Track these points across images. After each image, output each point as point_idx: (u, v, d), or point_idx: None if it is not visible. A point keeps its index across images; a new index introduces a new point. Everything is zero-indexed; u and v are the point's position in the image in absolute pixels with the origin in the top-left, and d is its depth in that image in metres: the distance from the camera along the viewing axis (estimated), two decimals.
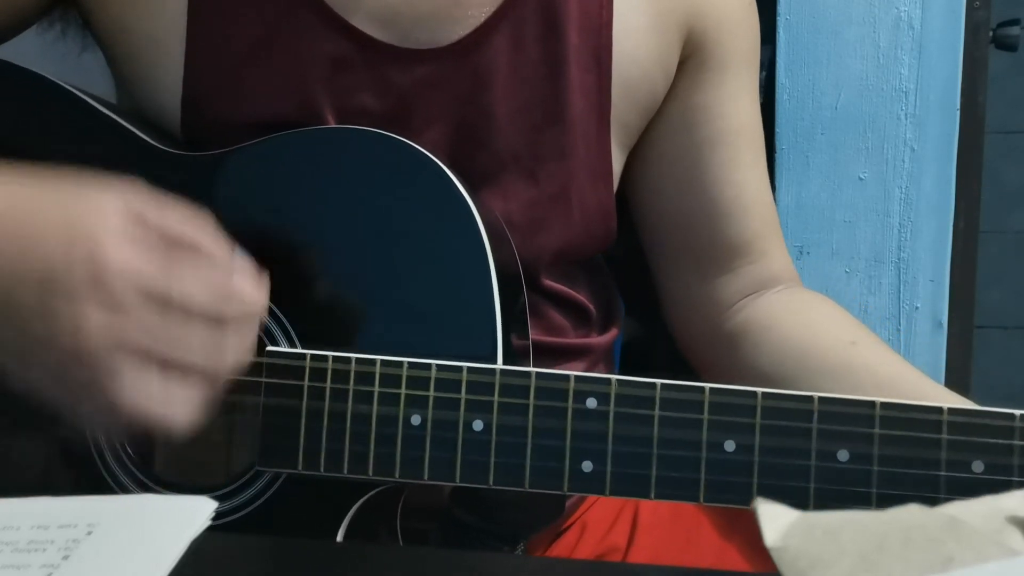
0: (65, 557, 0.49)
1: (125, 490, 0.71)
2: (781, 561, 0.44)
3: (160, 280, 0.57)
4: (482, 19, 0.76)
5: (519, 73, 0.77)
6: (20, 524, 0.52)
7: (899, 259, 1.30)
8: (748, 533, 0.82)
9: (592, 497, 0.90)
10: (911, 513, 0.45)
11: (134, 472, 0.72)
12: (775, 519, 0.45)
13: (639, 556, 0.85)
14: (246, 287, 0.60)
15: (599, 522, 0.88)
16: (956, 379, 1.31)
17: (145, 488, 0.71)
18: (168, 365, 0.57)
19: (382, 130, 0.71)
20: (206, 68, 0.76)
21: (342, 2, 0.75)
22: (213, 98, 0.76)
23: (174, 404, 0.58)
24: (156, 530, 0.51)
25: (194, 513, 0.52)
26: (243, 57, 0.75)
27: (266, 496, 0.69)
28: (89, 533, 0.51)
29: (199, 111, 0.76)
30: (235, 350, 0.60)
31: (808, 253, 1.31)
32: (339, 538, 0.67)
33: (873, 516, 0.45)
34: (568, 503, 0.87)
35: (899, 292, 1.31)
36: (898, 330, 1.31)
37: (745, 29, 0.86)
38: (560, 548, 0.88)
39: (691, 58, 0.83)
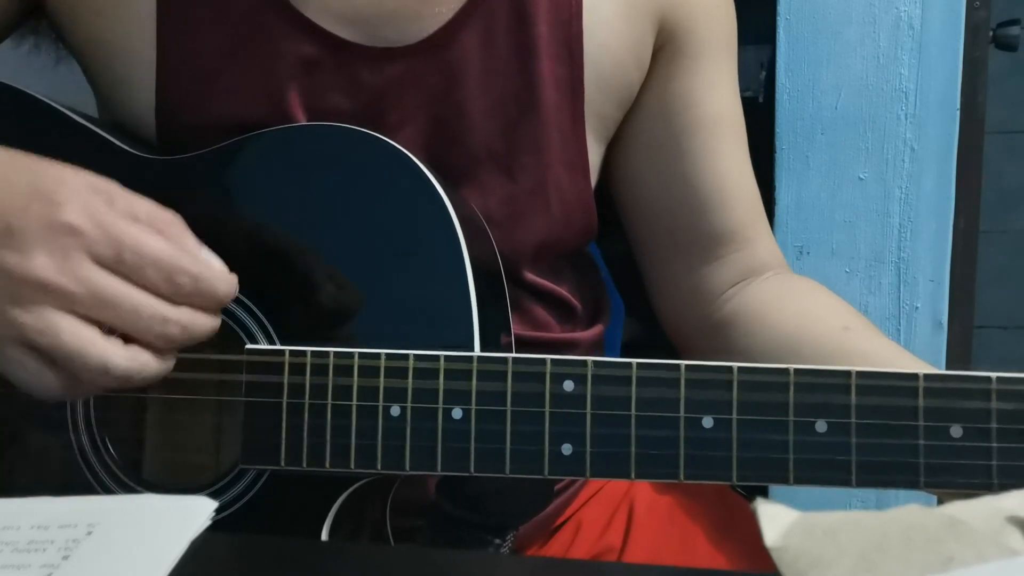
0: (65, 557, 0.49)
1: (109, 491, 0.72)
2: (781, 561, 0.44)
3: (112, 247, 0.59)
4: (450, 15, 0.76)
5: (490, 68, 0.77)
6: (20, 524, 0.52)
7: (899, 259, 1.30)
8: (743, 533, 0.82)
9: (585, 494, 0.90)
10: (911, 513, 0.45)
11: (117, 474, 0.72)
12: (775, 519, 0.45)
13: (635, 556, 0.85)
14: (206, 271, 0.62)
15: (594, 522, 0.88)
16: None
17: (129, 490, 0.71)
18: (111, 329, 0.59)
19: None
20: (178, 74, 0.76)
21: (307, 3, 0.75)
22: (186, 104, 0.76)
23: (112, 366, 0.59)
24: (156, 530, 0.51)
25: (194, 513, 0.52)
26: (213, 62, 0.75)
27: (251, 494, 0.69)
28: (89, 533, 0.51)
29: (173, 117, 0.77)
30: (185, 328, 0.61)
31: (808, 253, 1.31)
32: (324, 534, 0.68)
33: (873, 516, 0.45)
34: (560, 499, 0.87)
35: (899, 292, 1.31)
36: (898, 330, 1.31)
37: (720, 16, 0.85)
38: (555, 547, 0.88)
39: (665, 47, 0.82)
